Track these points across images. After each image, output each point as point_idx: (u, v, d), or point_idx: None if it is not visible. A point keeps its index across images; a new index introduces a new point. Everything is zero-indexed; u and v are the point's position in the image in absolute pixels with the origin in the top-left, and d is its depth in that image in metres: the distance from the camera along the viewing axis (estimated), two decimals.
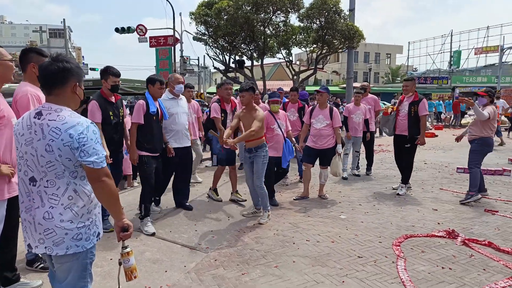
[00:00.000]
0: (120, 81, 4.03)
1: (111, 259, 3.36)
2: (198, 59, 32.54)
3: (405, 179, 5.78)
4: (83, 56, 52.41)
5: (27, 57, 2.76)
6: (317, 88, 5.87)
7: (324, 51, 18.39)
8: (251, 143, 4.37)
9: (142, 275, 3.03)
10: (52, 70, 1.71)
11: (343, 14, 16.88)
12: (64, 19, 30.43)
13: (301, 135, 5.73)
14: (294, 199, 5.51)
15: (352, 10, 17.66)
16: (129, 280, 1.89)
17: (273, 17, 17.31)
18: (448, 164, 8.14)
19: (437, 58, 48.65)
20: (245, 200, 5.28)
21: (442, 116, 20.77)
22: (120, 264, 1.90)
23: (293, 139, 5.33)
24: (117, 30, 18.31)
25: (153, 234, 3.99)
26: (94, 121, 3.63)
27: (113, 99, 4.00)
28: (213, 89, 34.28)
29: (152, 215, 4.38)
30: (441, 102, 21.25)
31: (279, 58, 21.45)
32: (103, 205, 1.82)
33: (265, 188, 4.43)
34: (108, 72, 3.86)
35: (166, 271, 3.20)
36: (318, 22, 17.05)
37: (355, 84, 19.85)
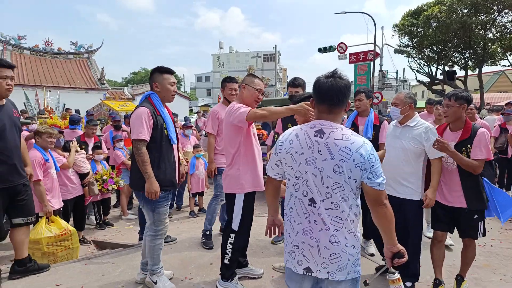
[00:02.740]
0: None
1: None
2: (396, 72, 30.81)
3: None
4: (287, 76, 58.96)
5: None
6: None
7: None
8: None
9: None
10: (340, 87, 1.63)
11: None
12: (275, 45, 35.21)
13: None
14: None
15: None
16: None
17: (498, 17, 14.51)
18: None
19: None
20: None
21: None
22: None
23: None
24: (319, 50, 19.57)
25: None
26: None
27: None
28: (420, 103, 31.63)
29: None
30: None
31: (504, 66, 17.72)
32: (381, 230, 1.71)
33: None
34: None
35: None
36: None
37: None
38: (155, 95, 2.89)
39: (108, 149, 6.34)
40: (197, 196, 6.25)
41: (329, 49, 19.65)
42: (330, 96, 1.63)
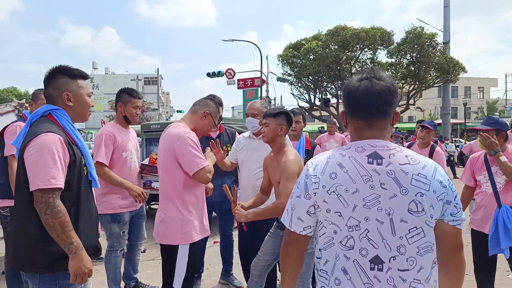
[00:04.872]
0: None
1: None
2: (274, 99, 33.26)
3: None
4: (170, 100, 57.65)
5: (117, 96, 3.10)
6: (405, 125, 4.37)
7: (416, 86, 17.48)
8: None
9: None
10: (379, 91, 1.12)
11: (439, 47, 16.04)
12: (158, 69, 34.16)
13: None
14: None
15: (447, 42, 16.76)
16: None
17: (360, 54, 17.13)
18: None
19: None
20: None
21: None
22: None
23: None
24: (208, 74, 19.64)
25: None
26: None
27: (211, 134, 3.39)
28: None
29: None
30: None
31: None
32: (451, 285, 1.17)
33: None
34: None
35: None
36: (409, 57, 16.39)
37: (453, 121, 18.32)
38: (62, 111, 1.82)
39: None
40: None
41: (218, 74, 19.92)
42: (364, 105, 1.13)
